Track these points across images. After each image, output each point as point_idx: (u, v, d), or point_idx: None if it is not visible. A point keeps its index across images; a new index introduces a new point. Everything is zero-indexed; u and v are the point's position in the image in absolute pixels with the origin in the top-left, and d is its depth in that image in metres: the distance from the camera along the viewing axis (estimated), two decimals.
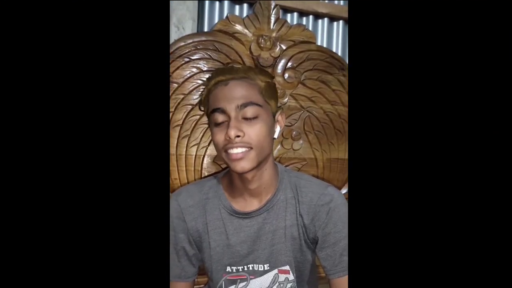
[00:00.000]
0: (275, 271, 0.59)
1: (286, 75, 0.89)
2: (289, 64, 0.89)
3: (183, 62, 0.82)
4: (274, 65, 0.88)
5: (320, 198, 0.57)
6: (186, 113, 0.83)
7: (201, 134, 0.84)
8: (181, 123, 0.83)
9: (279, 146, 0.91)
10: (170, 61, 0.81)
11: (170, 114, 0.83)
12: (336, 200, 0.58)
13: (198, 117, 0.84)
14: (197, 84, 0.84)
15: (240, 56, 0.85)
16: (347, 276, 0.55)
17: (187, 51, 0.82)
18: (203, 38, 0.84)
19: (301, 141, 0.92)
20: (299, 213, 0.58)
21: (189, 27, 0.94)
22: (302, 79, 0.91)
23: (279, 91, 0.89)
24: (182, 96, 0.83)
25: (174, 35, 0.91)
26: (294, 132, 0.92)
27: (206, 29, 1.00)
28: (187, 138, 0.84)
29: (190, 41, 0.83)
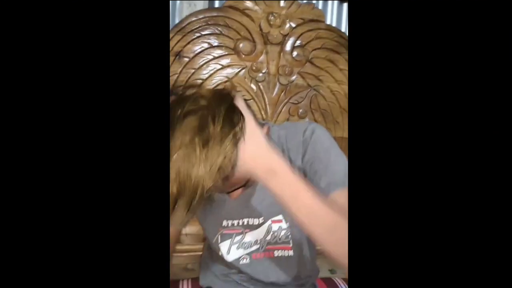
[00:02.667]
0: (269, 222, 0.62)
1: (295, 53, 0.90)
2: (298, 42, 0.90)
3: (194, 37, 0.84)
4: (283, 43, 0.89)
5: (303, 135, 0.56)
6: None
7: None
8: None
9: (285, 123, 0.93)
10: (182, 36, 0.83)
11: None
12: (317, 132, 0.56)
13: None
14: (207, 59, 0.86)
15: (250, 33, 0.87)
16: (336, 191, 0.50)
17: (198, 26, 0.84)
18: (214, 14, 0.85)
19: (307, 119, 0.94)
20: (289, 161, 0.57)
21: (201, 3, 0.96)
22: (310, 58, 0.92)
23: (287, 68, 0.90)
24: (192, 71, 0.85)
25: (185, 11, 0.93)
26: (300, 110, 0.95)
27: (217, 5, 1.02)
28: None
29: (202, 16, 0.84)
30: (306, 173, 0.56)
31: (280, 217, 0.62)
